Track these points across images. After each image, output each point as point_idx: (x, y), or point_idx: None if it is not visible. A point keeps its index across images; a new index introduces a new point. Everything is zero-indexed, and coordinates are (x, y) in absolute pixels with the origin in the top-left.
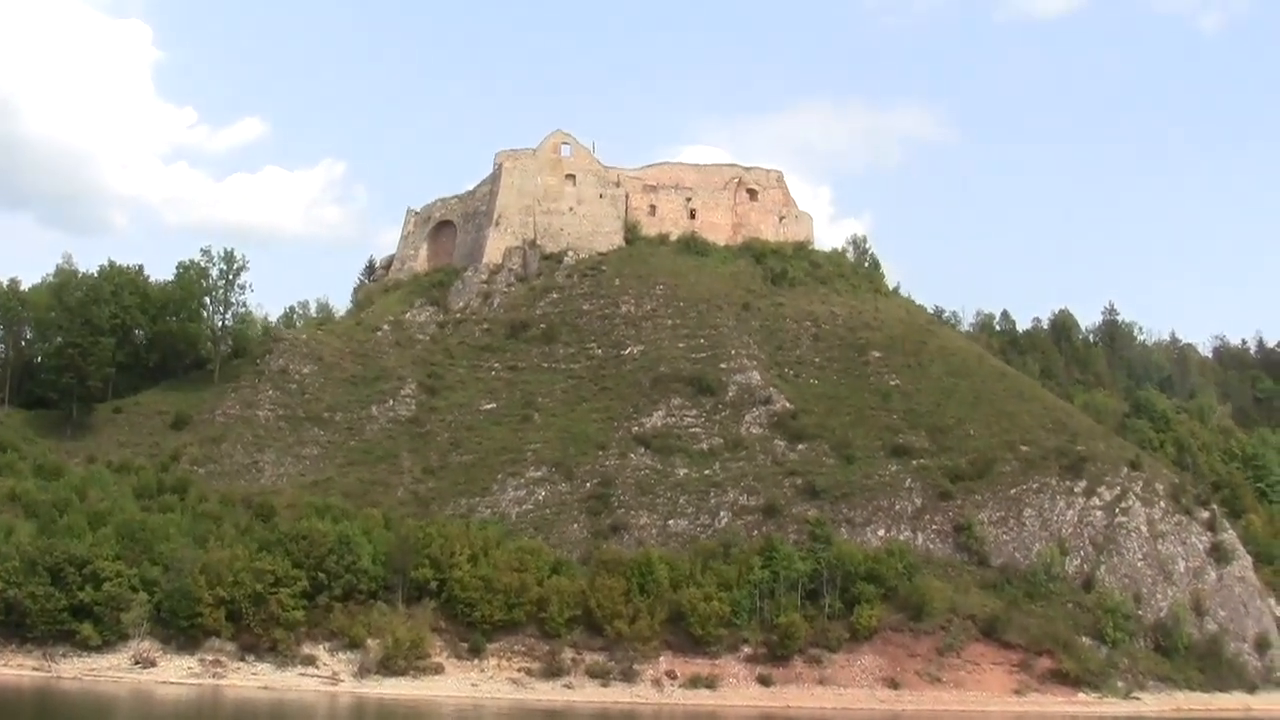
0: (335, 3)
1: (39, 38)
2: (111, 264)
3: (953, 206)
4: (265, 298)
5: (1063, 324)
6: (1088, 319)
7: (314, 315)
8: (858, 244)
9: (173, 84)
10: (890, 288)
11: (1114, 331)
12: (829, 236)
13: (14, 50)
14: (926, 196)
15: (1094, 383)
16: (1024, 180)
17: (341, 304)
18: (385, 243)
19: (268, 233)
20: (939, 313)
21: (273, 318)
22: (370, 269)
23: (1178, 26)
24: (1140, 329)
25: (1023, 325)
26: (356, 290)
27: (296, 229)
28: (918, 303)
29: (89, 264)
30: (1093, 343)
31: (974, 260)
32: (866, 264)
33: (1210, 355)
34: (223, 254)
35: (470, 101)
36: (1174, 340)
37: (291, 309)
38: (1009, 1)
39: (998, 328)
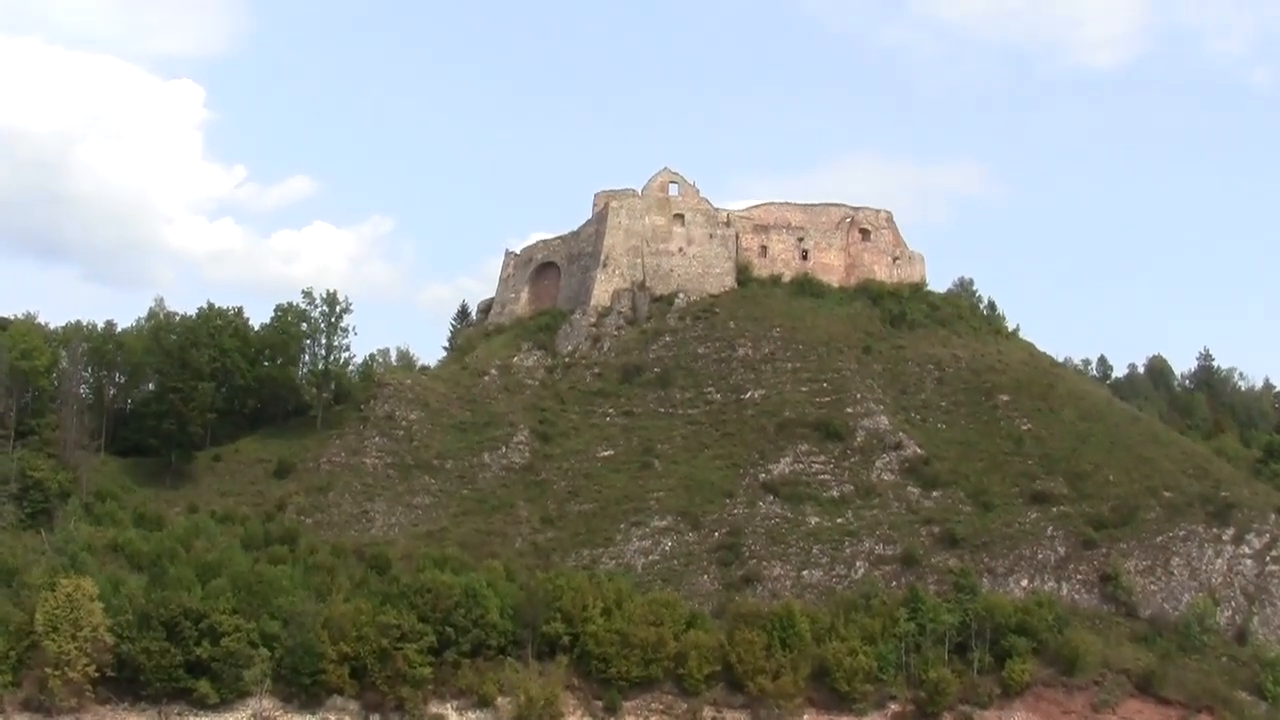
0: (386, 62)
1: (90, 99)
2: (210, 306)
3: (1007, 261)
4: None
5: (1158, 370)
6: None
7: (395, 364)
8: (965, 286)
9: (223, 143)
10: (1010, 329)
11: (1209, 377)
12: None
13: (65, 110)
14: (979, 250)
15: (1212, 429)
16: (1077, 231)
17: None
18: (430, 298)
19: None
20: None
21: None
22: (463, 314)
23: (1229, 79)
24: (1240, 374)
25: (1116, 373)
26: (454, 335)
27: (342, 285)
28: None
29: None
30: (1190, 389)
31: (1037, 311)
32: (983, 307)
33: None
34: (325, 296)
35: (518, 157)
36: (1268, 385)
37: (372, 356)
38: (1058, 57)
39: (1093, 374)
